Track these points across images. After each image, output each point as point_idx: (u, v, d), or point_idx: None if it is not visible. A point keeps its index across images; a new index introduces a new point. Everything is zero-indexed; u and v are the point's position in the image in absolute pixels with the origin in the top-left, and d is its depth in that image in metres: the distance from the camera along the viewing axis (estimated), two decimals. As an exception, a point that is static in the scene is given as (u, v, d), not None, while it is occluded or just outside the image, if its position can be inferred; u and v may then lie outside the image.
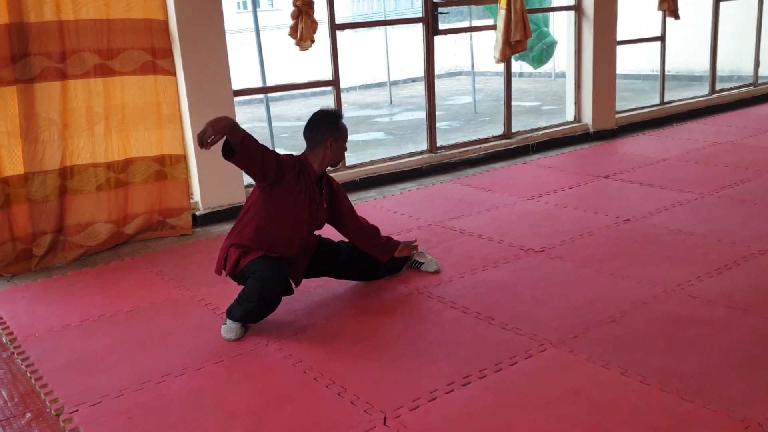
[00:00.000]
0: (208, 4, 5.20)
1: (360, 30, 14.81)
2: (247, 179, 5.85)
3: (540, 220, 5.03)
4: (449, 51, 15.26)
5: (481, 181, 6.27)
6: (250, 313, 3.46)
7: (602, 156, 7.02)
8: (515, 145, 7.21)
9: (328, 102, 5.97)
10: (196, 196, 5.48)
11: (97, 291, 4.25)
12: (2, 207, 4.62)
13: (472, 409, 2.77)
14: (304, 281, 3.87)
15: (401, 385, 2.97)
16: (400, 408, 2.80)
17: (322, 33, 5.84)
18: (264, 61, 6.59)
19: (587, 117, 7.67)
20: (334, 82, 6.07)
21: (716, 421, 2.59)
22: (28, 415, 2.96)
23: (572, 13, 7.53)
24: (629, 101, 9.89)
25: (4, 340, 3.68)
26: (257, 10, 6.87)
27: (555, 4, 9.29)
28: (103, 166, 4.95)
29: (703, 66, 9.77)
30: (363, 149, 8.24)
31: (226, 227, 5.35)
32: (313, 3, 5.53)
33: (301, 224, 3.64)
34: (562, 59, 9.49)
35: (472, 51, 10.67)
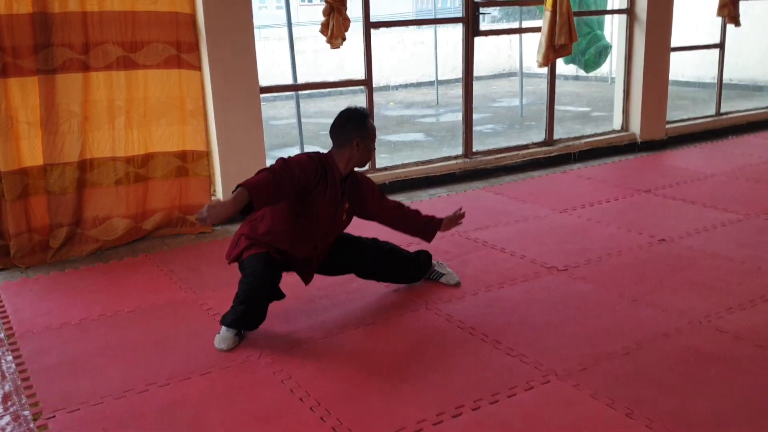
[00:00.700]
0: (237, -2, 5.10)
1: (412, 27, 14.58)
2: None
3: (569, 236, 4.76)
4: (504, 51, 14.94)
5: (515, 189, 6.02)
6: (240, 316, 3.33)
7: (647, 168, 6.68)
8: (556, 153, 6.92)
9: (363, 100, 5.82)
10: (219, 193, 5.40)
11: (104, 288, 4.19)
12: (20, 198, 4.61)
13: (457, 444, 2.58)
14: (317, 284, 3.73)
15: (388, 412, 2.79)
16: (381, 438, 2.62)
17: (356, 30, 5.67)
18: (295, 57, 6.45)
19: (635, 126, 7.31)
20: (367, 82, 5.90)
21: (724, 479, 2.34)
22: (6, 418, 2.89)
23: (624, 16, 7.18)
24: (686, 110, 9.47)
25: (1, 335, 3.64)
26: (289, 4, 6.71)
27: (610, 6, 8.93)
28: (122, 160, 4.89)
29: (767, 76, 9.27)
30: (398, 150, 8.06)
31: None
32: (345, 0, 5.37)
33: (320, 226, 3.50)
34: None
35: (521, 52, 10.35)
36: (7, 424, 2.84)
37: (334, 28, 5.33)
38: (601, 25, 9.59)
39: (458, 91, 13.17)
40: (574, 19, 9.19)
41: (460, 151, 6.63)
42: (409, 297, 3.86)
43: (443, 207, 5.56)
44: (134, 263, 4.60)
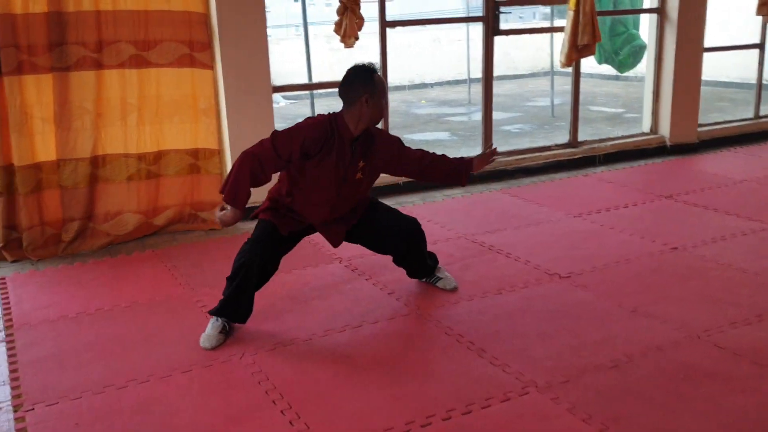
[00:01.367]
0: (250, -3, 5.11)
1: (444, 26, 14.39)
2: (285, 176, 5.75)
3: (579, 242, 4.65)
4: (544, 50, 14.72)
5: (533, 192, 5.91)
6: (228, 293, 3.40)
7: (673, 173, 6.48)
8: (580, 156, 6.77)
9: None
10: (231, 190, 5.42)
11: (106, 282, 4.25)
12: (34, 191, 4.71)
13: (420, 455, 2.53)
14: (312, 283, 3.72)
15: (357, 419, 2.76)
16: (345, 445, 2.59)
17: (371, 29, 5.64)
18: (311, 56, 6.45)
19: (664, 129, 7.11)
20: (383, 81, 5.84)
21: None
22: (-11, 408, 2.95)
23: (654, 16, 6.98)
24: (725, 112, 9.19)
25: (1, 326, 3.72)
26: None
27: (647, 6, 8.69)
28: (134, 156, 4.96)
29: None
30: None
31: (258, 224, 5.27)
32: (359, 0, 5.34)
33: (330, 188, 3.45)
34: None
35: (552, 51, 10.16)
36: (-11, 415, 2.91)
37: (348, 27, 5.30)
38: (636, 24, 9.35)
39: (496, 89, 12.97)
40: (606, 18, 9.01)
41: (479, 151, 6.53)
42: (403, 300, 3.82)
43: (455, 208, 5.52)
44: (141, 258, 4.66)
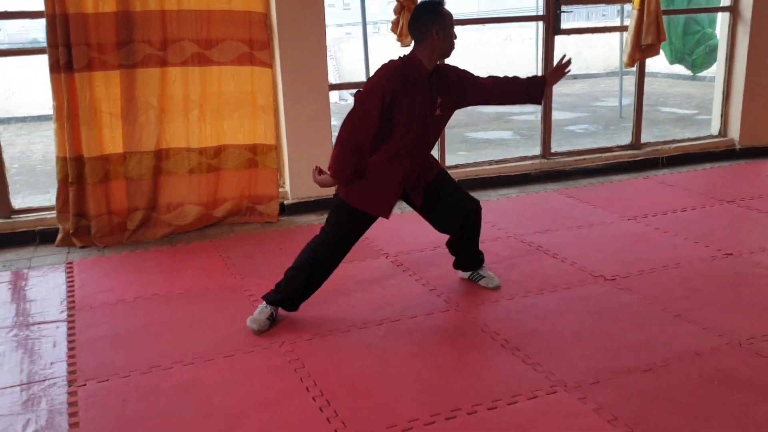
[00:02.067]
0: (310, -2, 5.25)
1: (515, 24, 14.31)
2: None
3: (629, 245, 4.59)
4: (618, 49, 14.43)
5: (590, 193, 5.85)
6: (294, 288, 3.53)
7: (740, 177, 6.29)
8: (642, 158, 6.64)
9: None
10: (287, 185, 5.59)
11: (164, 270, 4.46)
12: (101, 182, 4.98)
13: (441, 446, 2.59)
14: (357, 276, 3.82)
15: (385, 409, 2.83)
16: (370, 433, 2.68)
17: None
18: (369, 55, 6.54)
19: (734, 131, 6.90)
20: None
21: None
22: (47, 382, 3.16)
23: (727, 14, 6.78)
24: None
25: (65, 306, 3.97)
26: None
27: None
28: (195, 151, 5.17)
29: None
30: (482, 148, 7.99)
31: (312, 218, 5.43)
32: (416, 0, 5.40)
33: (417, 128, 3.50)
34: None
35: (621, 50, 9.98)
36: (48, 386, 3.12)
37: (404, 26, 5.37)
38: (712, 23, 9.11)
39: (565, 89, 12.90)
40: (680, 17, 8.80)
41: (538, 151, 6.50)
42: (444, 297, 3.88)
43: (509, 208, 5.53)
44: (198, 248, 4.86)
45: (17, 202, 5.39)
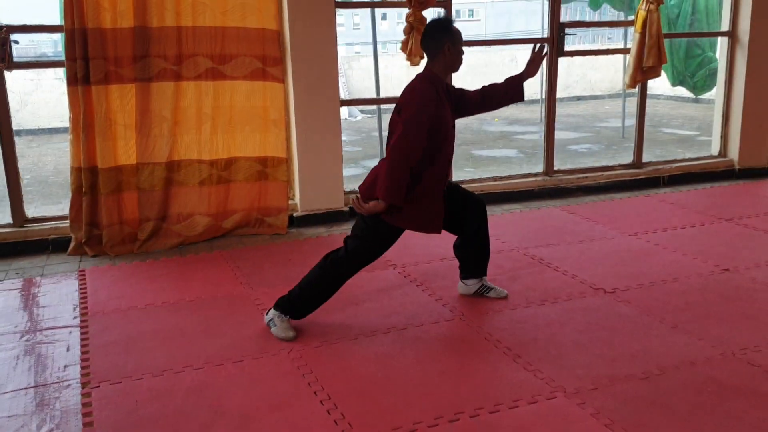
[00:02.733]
0: (322, 17, 5.39)
1: (521, 47, 14.44)
2: (348, 186, 6.00)
3: (629, 259, 4.70)
4: (621, 71, 14.60)
5: (591, 210, 5.96)
6: (307, 299, 3.63)
7: (739, 196, 6.40)
8: (643, 176, 6.76)
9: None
10: (297, 197, 5.71)
11: (174, 279, 4.57)
12: (114, 192, 5.10)
13: (444, 447, 2.69)
14: (365, 287, 3.92)
15: (391, 411, 2.93)
16: (376, 434, 2.77)
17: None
18: (379, 73, 6.69)
19: (733, 152, 7.02)
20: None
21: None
22: (61, 384, 3.27)
23: (726, 39, 6.93)
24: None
25: (77, 312, 4.08)
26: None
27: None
28: (207, 162, 5.30)
29: None
30: (487, 165, 8.12)
31: (321, 230, 5.55)
32: (425, 20, 5.55)
33: (450, 138, 3.67)
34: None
35: (624, 72, 10.15)
36: (62, 387, 3.22)
37: (413, 46, 5.52)
38: (713, 47, 9.26)
39: (568, 109, 13.07)
40: (682, 40, 8.95)
41: (541, 168, 6.63)
42: (449, 307, 3.98)
43: (511, 222, 5.64)
44: (208, 258, 4.97)
45: (30, 211, 5.52)
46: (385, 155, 3.59)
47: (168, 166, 5.20)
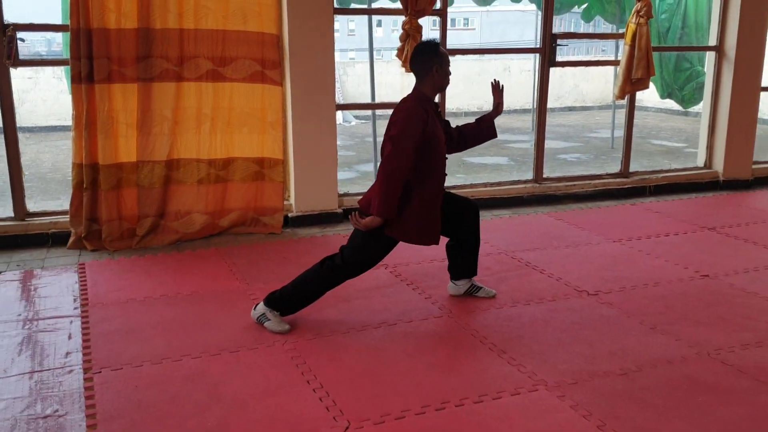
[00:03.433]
0: (321, 23, 5.55)
1: (515, 56, 14.68)
2: (342, 189, 6.15)
3: (613, 264, 4.86)
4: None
5: (578, 217, 6.13)
6: (301, 298, 3.77)
7: (722, 206, 6.58)
8: (630, 185, 6.94)
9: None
10: (292, 198, 5.85)
11: (172, 273, 4.70)
12: (114, 189, 5.23)
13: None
14: (357, 286, 4.06)
15: (381, 400, 3.07)
16: (366, 420, 2.91)
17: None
18: (375, 78, 6.85)
19: (718, 164, 7.21)
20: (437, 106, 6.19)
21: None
22: (64, 369, 3.39)
23: (713, 53, 7.12)
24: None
25: (78, 303, 4.20)
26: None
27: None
28: (205, 162, 5.44)
29: None
30: (479, 171, 8.28)
31: (315, 231, 5.69)
32: (421, 27, 5.71)
33: (443, 152, 3.84)
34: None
35: (614, 83, 10.36)
36: (66, 373, 3.35)
37: (409, 53, 5.67)
38: (701, 61, 9.44)
39: (560, 119, 13.25)
40: (672, 54, 9.14)
41: (530, 175, 6.79)
42: (438, 305, 4.13)
43: (500, 227, 5.80)
44: (204, 254, 5.11)
45: (30, 206, 5.63)
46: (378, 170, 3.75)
47: (167, 164, 5.34)
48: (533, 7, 7.66)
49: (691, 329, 3.81)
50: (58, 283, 4.54)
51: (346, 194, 6.09)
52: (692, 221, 5.97)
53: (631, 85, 6.48)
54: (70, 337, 3.74)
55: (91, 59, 5.00)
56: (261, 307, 3.83)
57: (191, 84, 5.30)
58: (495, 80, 4.24)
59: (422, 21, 5.77)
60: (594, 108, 14.62)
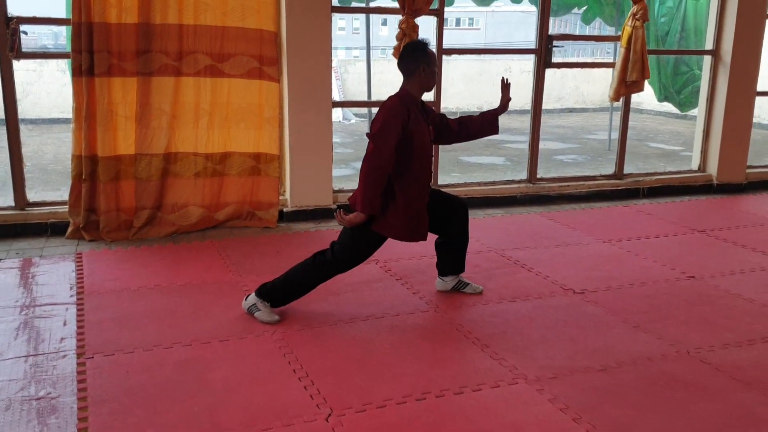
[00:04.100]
0: (318, 21, 5.63)
1: (516, 57, 14.77)
2: (337, 185, 6.23)
3: (601, 264, 4.94)
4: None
5: (570, 217, 6.20)
6: (292, 291, 3.85)
7: (714, 210, 6.65)
8: (624, 187, 7.01)
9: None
10: (287, 193, 5.93)
11: (166, 265, 4.79)
12: (112, 180, 5.32)
13: (410, 421, 2.91)
14: (346, 280, 4.14)
15: (363, 389, 3.16)
16: (348, 408, 3.00)
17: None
18: (377, 76, 6.92)
19: (712, 167, 7.28)
20: (433, 105, 6.27)
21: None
22: (58, 353, 3.48)
23: (710, 57, 7.19)
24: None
25: (74, 291, 4.29)
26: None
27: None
28: (202, 156, 5.52)
29: None
30: (474, 171, 8.36)
31: (309, 226, 5.77)
32: (417, 27, 5.79)
33: (428, 151, 3.90)
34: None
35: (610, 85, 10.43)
36: (60, 357, 3.44)
37: (405, 51, 5.74)
38: (700, 65, 9.50)
39: (559, 120, 13.32)
40: (670, 57, 9.21)
41: (524, 175, 6.87)
42: (425, 300, 4.21)
43: (492, 226, 5.87)
44: (200, 247, 5.19)
45: (30, 196, 5.72)
46: None
47: (165, 157, 5.42)
48: (535, 8, 7.73)
49: (673, 328, 3.88)
50: (56, 272, 4.63)
51: (340, 190, 6.17)
52: (683, 223, 6.05)
53: (625, 87, 6.55)
54: (65, 324, 3.83)
55: (91, 53, 5.08)
56: (252, 298, 3.91)
57: (190, 79, 5.38)
58: (504, 78, 4.29)
59: (422, 21, 5.84)
60: (595, 110, 14.67)
